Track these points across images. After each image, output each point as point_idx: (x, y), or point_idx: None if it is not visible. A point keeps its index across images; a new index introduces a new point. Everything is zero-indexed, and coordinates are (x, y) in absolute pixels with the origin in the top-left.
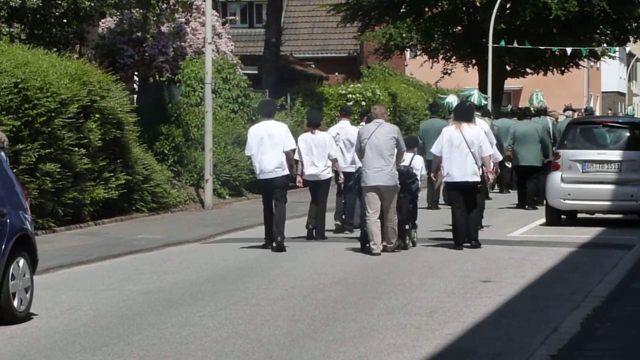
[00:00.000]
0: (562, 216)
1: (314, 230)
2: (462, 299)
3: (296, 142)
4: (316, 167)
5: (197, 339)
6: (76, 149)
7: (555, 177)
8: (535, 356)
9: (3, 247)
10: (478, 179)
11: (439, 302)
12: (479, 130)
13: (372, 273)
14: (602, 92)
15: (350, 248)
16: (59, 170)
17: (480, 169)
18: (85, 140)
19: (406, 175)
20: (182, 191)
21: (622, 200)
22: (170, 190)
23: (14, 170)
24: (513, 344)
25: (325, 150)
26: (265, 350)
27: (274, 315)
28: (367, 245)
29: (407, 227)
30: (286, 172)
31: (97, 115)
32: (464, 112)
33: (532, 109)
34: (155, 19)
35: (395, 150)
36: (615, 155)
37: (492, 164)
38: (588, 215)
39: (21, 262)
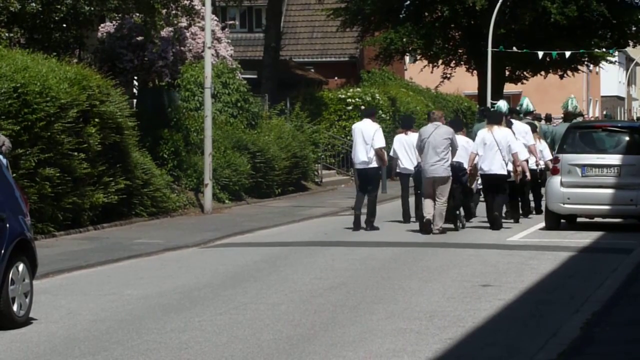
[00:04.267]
0: (562, 220)
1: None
2: (462, 304)
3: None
4: (410, 162)
5: (196, 343)
6: (76, 153)
7: (554, 181)
8: None
9: (2, 251)
10: (505, 172)
11: (438, 307)
12: (508, 131)
13: (372, 277)
14: (602, 97)
15: (349, 252)
16: (58, 174)
17: (542, 163)
18: (85, 145)
19: (457, 169)
20: (181, 196)
21: (621, 205)
22: (170, 194)
23: (14, 175)
24: (512, 348)
25: None
26: (265, 355)
27: (274, 320)
28: (424, 220)
29: (457, 212)
30: (374, 165)
31: (96, 120)
32: (495, 117)
33: (568, 112)
34: (161, 23)
35: (450, 148)
36: (614, 159)
37: (543, 161)
38: (587, 220)
39: (20, 266)
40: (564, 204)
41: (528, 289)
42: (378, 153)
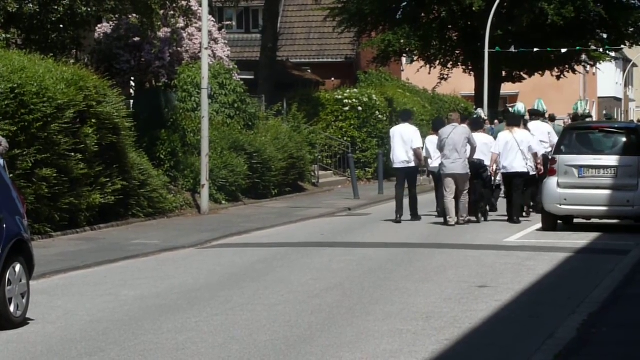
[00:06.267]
0: (559, 221)
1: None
2: (459, 305)
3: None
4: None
5: (193, 344)
6: (72, 154)
7: (551, 182)
8: None
9: (0, 252)
10: (525, 170)
11: (435, 308)
12: (527, 133)
13: (368, 279)
14: (599, 98)
15: (346, 253)
16: (55, 175)
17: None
18: (82, 146)
19: (478, 166)
20: (178, 196)
21: (618, 206)
22: (167, 195)
23: (11, 176)
24: (509, 349)
25: None
26: (262, 356)
27: (270, 321)
28: (445, 219)
29: (479, 206)
30: (413, 164)
31: (93, 121)
32: (514, 120)
33: (578, 114)
34: (158, 24)
35: (468, 146)
36: (611, 160)
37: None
38: (584, 221)
39: (17, 267)
40: (560, 205)
41: (525, 290)
42: (417, 152)
